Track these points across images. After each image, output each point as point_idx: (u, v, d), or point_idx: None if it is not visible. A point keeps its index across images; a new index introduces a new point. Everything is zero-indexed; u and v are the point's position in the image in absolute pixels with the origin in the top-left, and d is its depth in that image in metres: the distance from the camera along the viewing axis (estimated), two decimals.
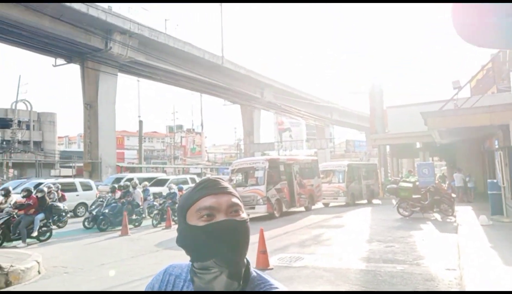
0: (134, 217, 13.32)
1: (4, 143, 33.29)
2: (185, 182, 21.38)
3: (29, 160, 32.85)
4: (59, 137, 46.27)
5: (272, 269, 6.65)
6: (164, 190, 18.58)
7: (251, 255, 7.10)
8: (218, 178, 1.03)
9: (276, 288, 0.96)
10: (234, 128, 70.61)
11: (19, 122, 35.05)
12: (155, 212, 13.64)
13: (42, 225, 10.46)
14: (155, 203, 14.86)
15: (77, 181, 18.23)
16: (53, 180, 17.08)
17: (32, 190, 10.94)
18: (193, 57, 31.44)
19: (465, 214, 12.19)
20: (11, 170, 29.77)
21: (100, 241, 10.64)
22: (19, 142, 33.96)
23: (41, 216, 10.40)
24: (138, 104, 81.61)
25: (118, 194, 13.40)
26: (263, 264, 6.66)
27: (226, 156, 63.22)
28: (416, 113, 14.96)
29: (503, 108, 13.35)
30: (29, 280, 6.55)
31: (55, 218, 11.99)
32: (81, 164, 30.84)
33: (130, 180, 16.59)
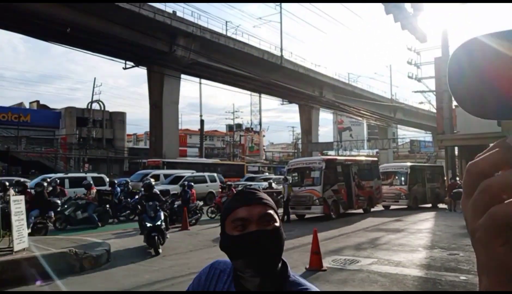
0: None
1: (81, 140, 36.41)
2: (203, 180, 20.31)
3: (101, 156, 35.69)
4: (128, 135, 49.55)
5: (325, 270, 6.61)
6: (176, 188, 16.95)
7: (305, 256, 7.11)
8: (252, 189, 1.13)
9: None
10: (292, 127, 70.17)
11: (94, 121, 38.10)
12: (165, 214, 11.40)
13: (37, 221, 9.81)
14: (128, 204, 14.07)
15: (89, 176, 16.81)
16: (61, 175, 16.31)
17: (27, 185, 10.58)
18: (252, 58, 31.95)
19: None
20: (86, 165, 32.48)
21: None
22: (93, 139, 36.94)
23: (35, 212, 9.74)
24: (200, 104, 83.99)
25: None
26: (316, 265, 6.62)
27: (284, 155, 63.28)
28: None
29: None
30: (99, 266, 7.18)
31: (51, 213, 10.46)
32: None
33: (157, 177, 16.40)
